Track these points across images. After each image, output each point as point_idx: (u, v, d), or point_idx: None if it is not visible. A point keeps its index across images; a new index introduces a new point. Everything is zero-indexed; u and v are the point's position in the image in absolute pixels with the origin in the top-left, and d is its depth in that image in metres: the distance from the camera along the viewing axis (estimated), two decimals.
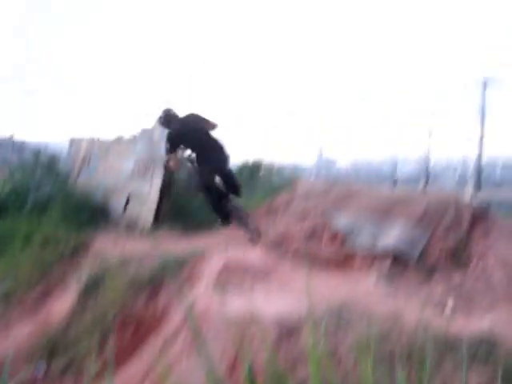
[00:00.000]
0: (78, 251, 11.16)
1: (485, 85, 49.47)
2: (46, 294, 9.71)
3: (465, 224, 9.43)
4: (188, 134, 9.39)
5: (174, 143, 9.26)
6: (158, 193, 12.87)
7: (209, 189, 9.65)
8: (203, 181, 9.37)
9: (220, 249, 9.98)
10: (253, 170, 20.90)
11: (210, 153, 9.35)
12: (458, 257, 8.87)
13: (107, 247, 10.83)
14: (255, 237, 10.36)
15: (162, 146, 13.39)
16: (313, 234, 9.99)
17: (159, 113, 9.89)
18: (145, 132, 13.97)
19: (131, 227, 12.61)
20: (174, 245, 10.76)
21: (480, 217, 9.86)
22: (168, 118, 9.53)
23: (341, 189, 11.23)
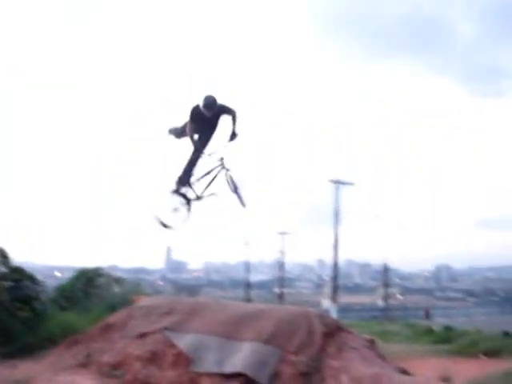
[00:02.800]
0: None
1: (337, 188, 52.33)
2: None
3: (317, 342, 9.62)
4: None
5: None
6: None
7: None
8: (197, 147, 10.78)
9: (46, 377, 9.45)
10: (91, 278, 20.18)
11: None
12: (311, 378, 9.00)
13: None
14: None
15: None
16: (154, 357, 9.72)
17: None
18: None
19: None
20: None
21: (333, 332, 10.13)
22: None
23: (185, 305, 11.11)
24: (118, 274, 28.08)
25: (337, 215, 51.69)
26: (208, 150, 10.50)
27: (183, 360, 9.55)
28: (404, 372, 10.36)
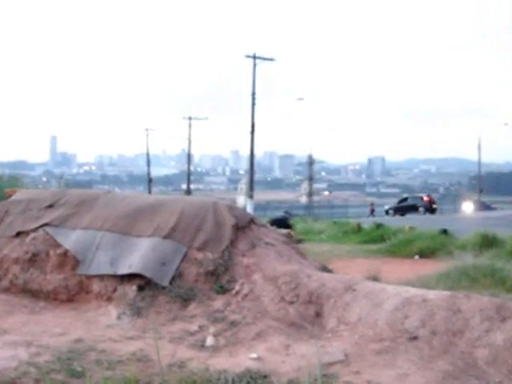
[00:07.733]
0: None
1: (255, 64, 52.00)
2: None
3: (226, 237, 9.75)
4: None
5: None
6: None
7: None
8: None
9: None
10: None
11: None
12: (220, 278, 9.18)
13: None
14: None
15: None
16: (35, 258, 9.69)
17: None
18: None
19: None
20: None
21: (245, 226, 10.28)
22: None
23: (72, 197, 10.96)
24: None
25: (254, 96, 51.31)
26: None
27: (70, 261, 9.56)
28: (325, 269, 10.70)
